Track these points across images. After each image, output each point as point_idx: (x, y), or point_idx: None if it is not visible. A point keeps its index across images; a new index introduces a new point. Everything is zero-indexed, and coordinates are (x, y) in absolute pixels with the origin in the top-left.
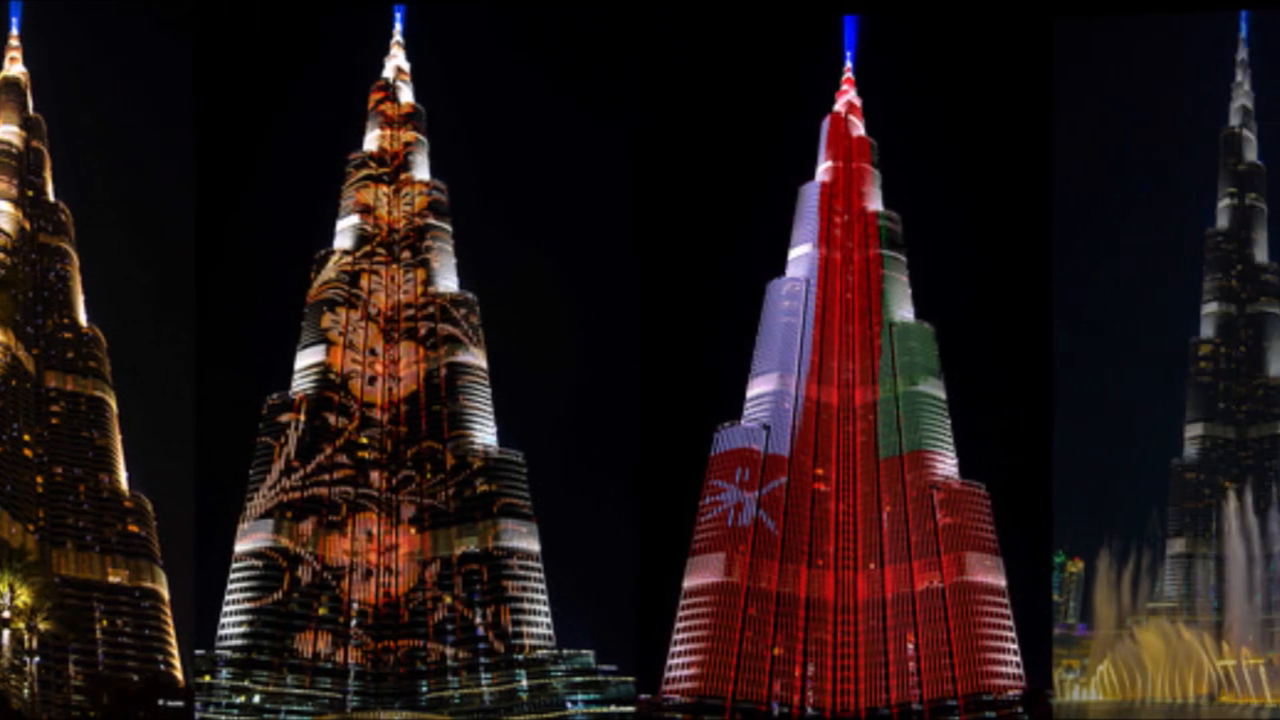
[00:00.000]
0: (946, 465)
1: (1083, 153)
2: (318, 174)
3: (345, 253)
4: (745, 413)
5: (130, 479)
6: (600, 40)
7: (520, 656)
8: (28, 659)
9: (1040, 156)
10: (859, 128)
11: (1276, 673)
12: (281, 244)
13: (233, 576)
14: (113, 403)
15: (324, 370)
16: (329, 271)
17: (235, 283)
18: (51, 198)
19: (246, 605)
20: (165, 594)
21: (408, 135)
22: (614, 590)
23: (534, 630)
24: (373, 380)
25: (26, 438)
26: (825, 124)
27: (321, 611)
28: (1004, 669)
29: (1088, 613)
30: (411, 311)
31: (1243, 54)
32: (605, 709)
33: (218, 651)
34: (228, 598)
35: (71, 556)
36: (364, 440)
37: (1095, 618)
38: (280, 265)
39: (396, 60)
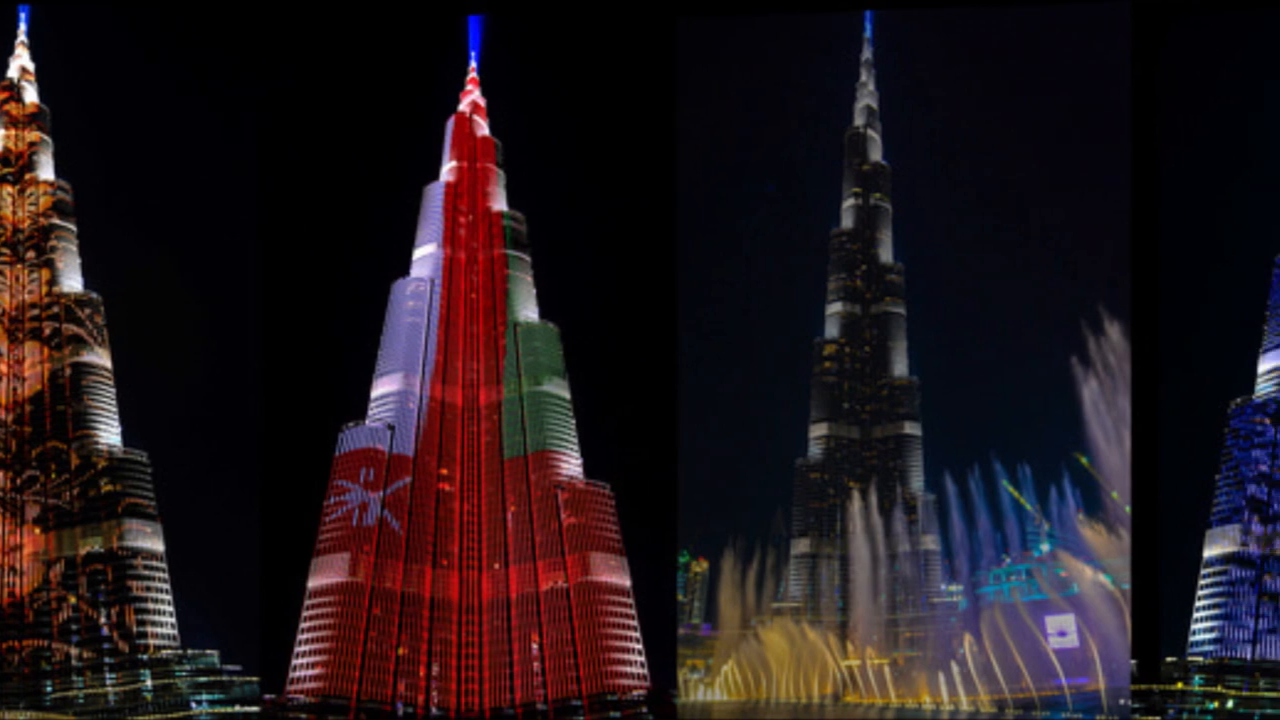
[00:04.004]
0: (571, 465)
1: (707, 152)
2: None
3: None
4: (370, 413)
5: None
6: (226, 39)
7: (145, 657)
8: None
9: (664, 156)
10: (484, 128)
11: (901, 673)
12: None
13: None
14: None
15: None
16: None
17: None
18: None
19: None
20: None
21: (32, 135)
22: (238, 590)
23: (158, 630)
24: None
25: None
26: (450, 124)
27: None
28: (628, 669)
29: (712, 613)
30: (36, 311)
31: (867, 54)
32: (230, 709)
33: None
34: None
35: None
36: None
37: (720, 618)
38: None
39: (21, 60)
